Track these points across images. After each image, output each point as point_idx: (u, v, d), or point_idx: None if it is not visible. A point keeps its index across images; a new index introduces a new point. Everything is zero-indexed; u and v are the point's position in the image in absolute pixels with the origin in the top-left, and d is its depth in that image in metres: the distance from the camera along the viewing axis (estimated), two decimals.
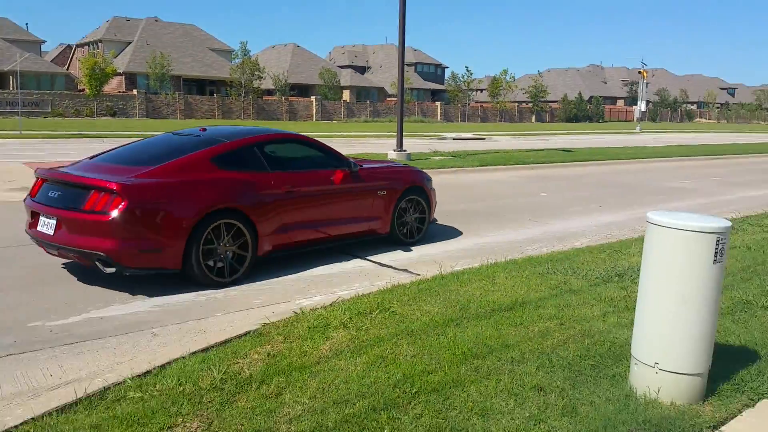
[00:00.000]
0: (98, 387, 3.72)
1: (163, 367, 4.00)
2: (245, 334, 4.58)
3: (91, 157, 7.07)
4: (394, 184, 8.02)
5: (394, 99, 70.93)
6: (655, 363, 3.50)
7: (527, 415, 3.39)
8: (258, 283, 6.35)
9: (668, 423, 3.30)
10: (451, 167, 17.59)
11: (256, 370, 3.92)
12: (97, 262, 5.70)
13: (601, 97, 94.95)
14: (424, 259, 7.48)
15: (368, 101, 68.64)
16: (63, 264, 6.74)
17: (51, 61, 63.81)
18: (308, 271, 6.87)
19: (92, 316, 5.26)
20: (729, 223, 3.38)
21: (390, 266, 7.18)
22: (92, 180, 5.88)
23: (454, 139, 34.64)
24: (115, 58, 54.82)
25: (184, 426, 3.31)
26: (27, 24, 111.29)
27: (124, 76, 57.05)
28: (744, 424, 3.34)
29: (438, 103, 73.30)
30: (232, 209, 6.22)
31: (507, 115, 78.22)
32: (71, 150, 19.52)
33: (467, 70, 78.04)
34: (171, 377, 3.80)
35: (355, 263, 7.27)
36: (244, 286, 6.18)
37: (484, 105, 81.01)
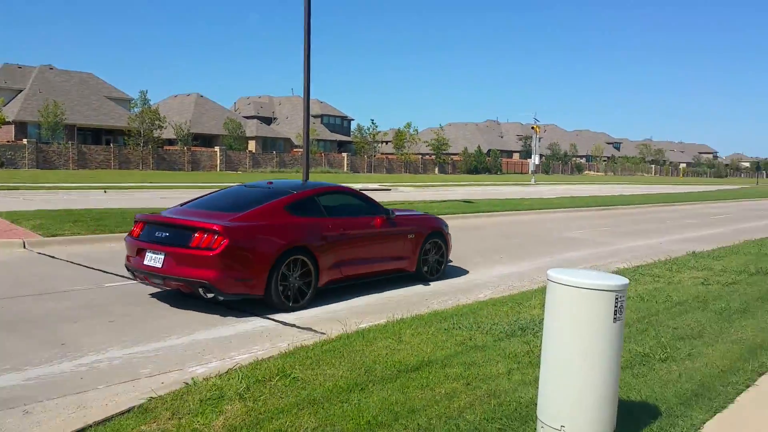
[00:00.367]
0: None
1: None
2: (129, 411, 4.15)
3: (181, 205, 8.53)
4: (420, 229, 9.44)
5: (300, 149, 71.11)
6: (561, 426, 3.45)
7: None
8: (152, 346, 5.90)
9: None
10: None
11: None
12: (200, 289, 6.96)
13: (498, 150, 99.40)
14: (328, 316, 7.26)
15: (274, 152, 68.30)
16: None
17: None
18: (205, 332, 6.46)
19: None
20: (626, 281, 3.43)
21: (293, 325, 6.89)
22: (197, 223, 7.18)
23: (360, 190, 34.83)
24: (5, 106, 51.76)
25: None
26: None
27: (13, 125, 53.82)
28: None
29: (344, 154, 74.05)
30: (301, 247, 7.60)
31: (412, 166, 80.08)
32: None
33: (372, 123, 79.63)
34: None
35: (256, 323, 6.93)
36: (134, 350, 5.71)
37: (390, 156, 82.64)
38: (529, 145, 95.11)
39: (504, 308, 7.20)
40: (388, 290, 8.81)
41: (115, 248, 11.22)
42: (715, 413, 4.12)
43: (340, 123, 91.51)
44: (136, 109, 61.48)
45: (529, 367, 5.01)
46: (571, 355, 3.39)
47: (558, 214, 23.25)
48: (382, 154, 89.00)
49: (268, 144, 74.46)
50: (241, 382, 4.62)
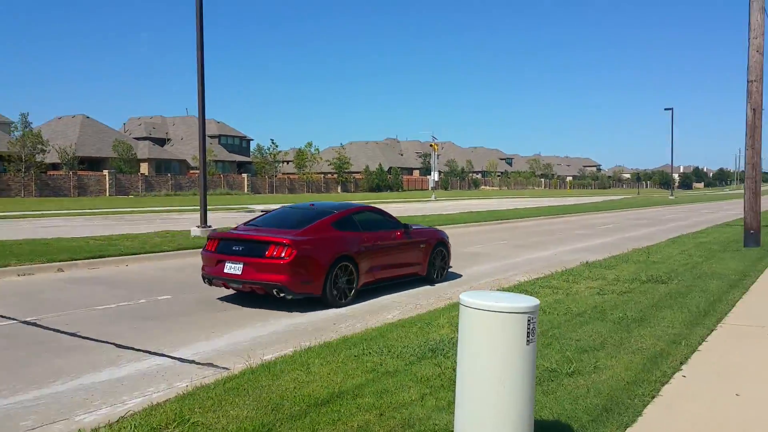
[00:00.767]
0: None
1: None
2: None
3: (245, 224, 10.34)
4: (429, 240, 11.28)
5: (197, 171, 68.80)
6: None
7: None
8: (33, 393, 5.31)
9: None
10: None
11: None
12: (274, 291, 8.63)
13: (399, 168, 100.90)
14: (231, 349, 6.87)
15: (169, 174, 65.73)
16: None
17: None
18: (94, 374, 5.91)
19: None
20: (537, 301, 3.39)
21: (192, 361, 6.45)
22: (269, 237, 8.88)
23: (262, 211, 34.08)
24: None
25: None
26: None
27: None
28: None
29: (245, 175, 72.49)
30: (346, 255, 9.33)
31: (314, 186, 79.65)
32: None
33: (272, 143, 78.64)
34: None
35: (151, 361, 6.43)
36: (12, 401, 5.09)
37: (291, 176, 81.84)
38: (429, 162, 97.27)
39: (413, 329, 7.11)
40: (309, 312, 8.52)
41: None
42: (625, 428, 4.16)
43: (238, 143, 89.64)
44: (16, 133, 57.39)
45: (441, 391, 4.91)
46: (487, 380, 3.30)
47: (459, 229, 23.71)
48: (283, 174, 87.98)
49: (162, 166, 71.60)
50: None
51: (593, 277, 10.95)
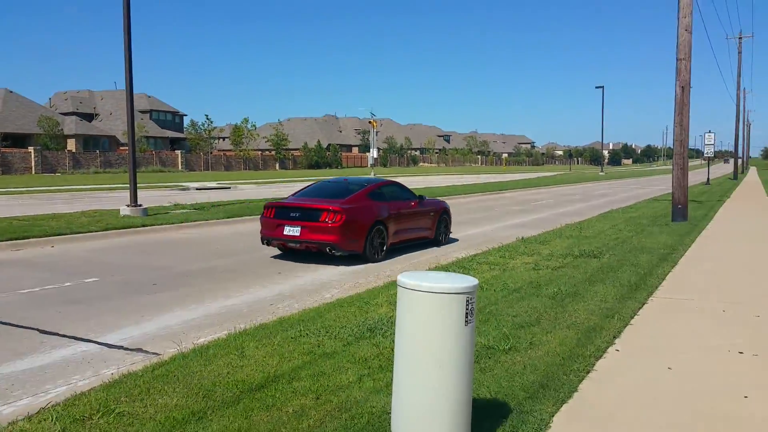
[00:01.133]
0: None
1: None
2: None
3: (294, 194, 12.27)
4: (437, 209, 13.31)
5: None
6: None
7: None
8: None
9: None
10: (195, 221, 16.56)
11: None
12: (327, 248, 10.51)
13: (338, 144, 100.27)
14: (164, 333, 6.61)
15: (98, 151, 63.05)
16: None
17: None
18: (15, 362, 5.56)
19: None
20: (476, 281, 3.32)
21: (121, 347, 6.17)
22: (323, 206, 10.71)
23: (197, 189, 33.22)
24: None
25: None
26: None
27: None
28: None
29: (178, 152, 70.31)
30: (380, 220, 11.28)
31: (251, 163, 78.16)
32: None
33: (207, 119, 76.47)
34: None
35: (77, 348, 6.11)
36: None
37: (228, 153, 80.00)
38: (368, 139, 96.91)
39: (351, 309, 7.01)
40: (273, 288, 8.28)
41: None
42: (561, 404, 4.19)
43: (171, 119, 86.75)
44: None
45: (379, 372, 4.84)
46: (424, 363, 3.22)
47: None
48: (219, 150, 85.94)
49: (90, 142, 68.61)
50: (55, 424, 3.96)
51: (529, 253, 11.12)
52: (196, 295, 8.42)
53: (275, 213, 11.16)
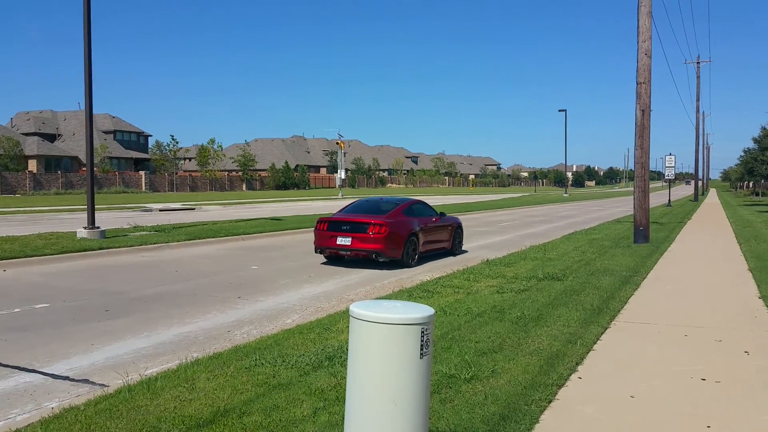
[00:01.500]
0: None
1: None
2: None
3: (339, 211, 14.60)
4: (453, 224, 15.62)
5: None
6: None
7: None
8: None
9: None
10: (154, 243, 16.13)
11: None
12: (373, 255, 12.81)
13: (306, 165, 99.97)
14: (113, 362, 6.31)
15: (59, 171, 61.67)
16: None
17: None
18: None
19: None
20: (432, 311, 3.17)
21: (66, 377, 5.86)
22: (370, 220, 12.97)
23: (161, 210, 32.57)
24: None
25: None
26: None
27: None
28: None
29: (142, 173, 69.18)
30: (413, 232, 13.51)
31: (218, 183, 77.29)
32: None
33: (173, 139, 75.43)
34: None
35: (20, 378, 5.78)
36: None
37: (194, 174, 79.02)
38: (335, 160, 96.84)
39: (311, 335, 6.79)
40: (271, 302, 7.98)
41: None
42: None
43: (136, 139, 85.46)
44: None
45: (336, 404, 4.64)
46: (377, 399, 3.05)
47: None
48: (185, 171, 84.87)
49: (52, 163, 67.17)
50: None
51: (493, 275, 11.05)
52: (150, 321, 8.11)
53: (328, 226, 13.34)
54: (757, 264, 12.71)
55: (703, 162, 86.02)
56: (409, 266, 13.24)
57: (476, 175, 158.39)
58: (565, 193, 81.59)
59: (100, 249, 14.75)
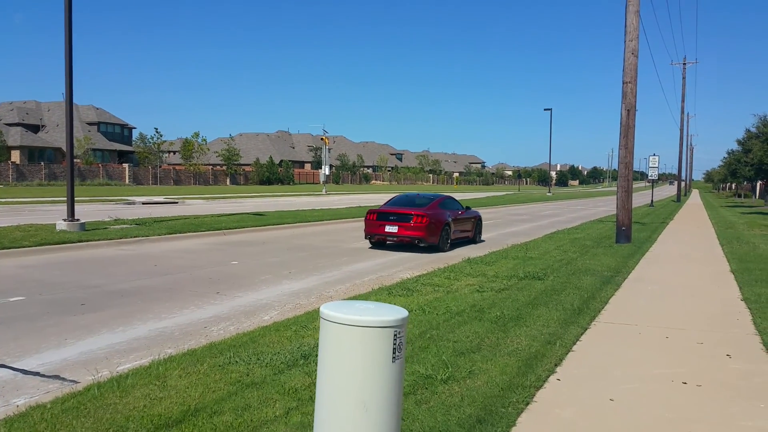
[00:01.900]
0: None
1: None
2: None
3: (385, 204, 17.06)
4: (475, 217, 18.21)
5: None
6: None
7: None
8: None
9: None
10: (134, 237, 15.93)
11: None
12: (416, 241, 15.30)
13: (290, 161, 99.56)
14: (86, 357, 6.17)
15: (42, 163, 60.88)
16: None
17: None
18: None
19: None
20: (405, 313, 3.10)
21: (37, 373, 5.71)
22: (413, 212, 15.49)
23: (144, 203, 32.23)
24: None
25: None
26: None
27: None
28: None
29: (126, 165, 68.51)
30: (447, 222, 16.01)
31: (201, 177, 76.72)
32: None
33: (157, 132, 74.84)
34: None
35: None
36: None
37: (178, 167, 78.40)
38: (320, 156, 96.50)
39: (288, 333, 6.70)
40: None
41: None
42: None
43: (120, 131, 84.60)
44: None
45: (309, 404, 4.55)
46: (347, 404, 2.96)
47: (346, 224, 23.48)
48: (169, 165, 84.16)
49: (35, 154, 66.35)
50: None
51: (473, 274, 11.00)
52: (126, 316, 7.97)
53: (377, 217, 15.78)
54: (739, 266, 12.78)
55: (686, 163, 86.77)
56: (444, 251, 15.70)
57: (460, 173, 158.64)
58: (549, 192, 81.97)
59: (80, 242, 14.53)
